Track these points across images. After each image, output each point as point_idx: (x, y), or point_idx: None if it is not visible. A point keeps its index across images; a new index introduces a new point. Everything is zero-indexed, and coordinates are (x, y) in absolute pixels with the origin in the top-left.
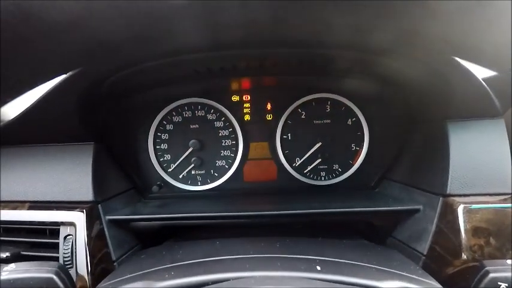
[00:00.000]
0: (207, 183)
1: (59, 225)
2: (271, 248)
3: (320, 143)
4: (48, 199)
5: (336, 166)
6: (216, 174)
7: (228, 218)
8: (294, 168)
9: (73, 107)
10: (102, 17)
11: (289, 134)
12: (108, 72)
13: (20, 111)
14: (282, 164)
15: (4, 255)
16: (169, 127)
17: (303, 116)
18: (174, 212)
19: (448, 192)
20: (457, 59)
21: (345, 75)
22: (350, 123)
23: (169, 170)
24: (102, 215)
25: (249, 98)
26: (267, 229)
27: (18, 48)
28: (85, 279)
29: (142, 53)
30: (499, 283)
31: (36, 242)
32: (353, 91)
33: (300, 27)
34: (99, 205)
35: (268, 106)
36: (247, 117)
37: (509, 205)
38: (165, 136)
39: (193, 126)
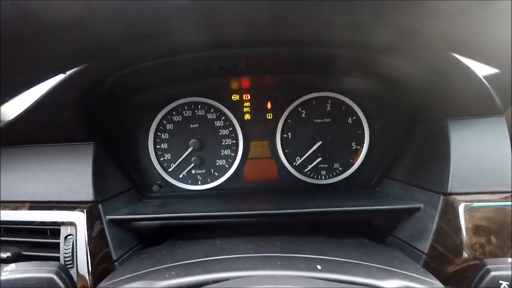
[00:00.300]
0: (207, 183)
1: (60, 225)
2: (272, 247)
3: (320, 142)
4: (48, 199)
5: (336, 165)
6: (216, 174)
7: (228, 217)
8: (295, 167)
9: (73, 107)
10: (101, 17)
11: (289, 133)
12: (108, 72)
13: (20, 112)
14: (282, 163)
15: (5, 255)
16: (169, 126)
17: (303, 115)
18: (174, 212)
19: (448, 190)
20: (457, 56)
21: (345, 73)
22: (350, 121)
23: (170, 169)
24: (102, 215)
25: (249, 97)
26: (267, 228)
27: (16, 47)
28: (86, 279)
29: (142, 53)
30: (500, 281)
31: (37, 242)
32: (353, 90)
33: (299, 26)
34: (100, 205)
35: (268, 105)
36: (247, 117)
37: (510, 203)
38: (165, 136)
39: (193, 125)
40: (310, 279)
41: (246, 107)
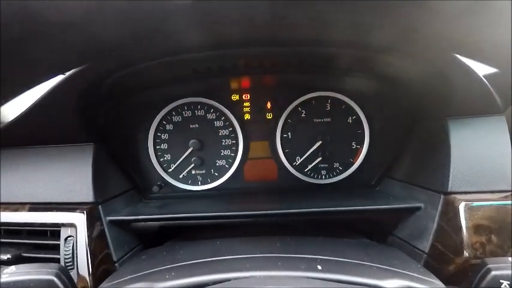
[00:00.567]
0: (208, 183)
1: (60, 227)
2: (272, 248)
3: (320, 142)
4: (48, 200)
5: (336, 164)
6: (217, 174)
7: (228, 217)
8: (295, 167)
9: (73, 108)
10: (101, 17)
11: (289, 133)
12: (108, 73)
13: (20, 113)
14: (283, 163)
15: (5, 257)
16: (169, 127)
17: (303, 115)
18: (174, 212)
19: (449, 189)
20: (457, 56)
21: (345, 73)
22: (350, 121)
23: (170, 170)
24: (102, 216)
25: (248, 97)
26: (267, 228)
27: (16, 48)
28: (86, 280)
29: (141, 53)
30: (501, 281)
31: (37, 243)
32: (353, 89)
33: (299, 26)
34: (100, 206)
35: (268, 105)
36: (247, 117)
37: (510, 202)
38: (165, 136)
39: (193, 125)
40: (311, 280)
41: (245, 107)
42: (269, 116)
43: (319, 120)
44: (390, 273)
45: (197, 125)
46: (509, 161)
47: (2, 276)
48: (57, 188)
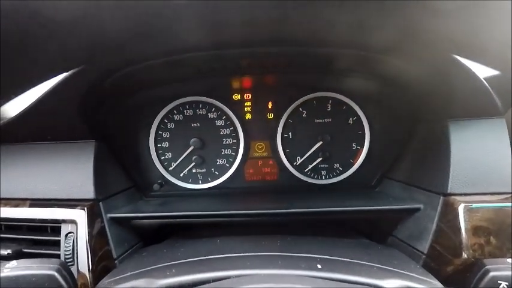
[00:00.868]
0: (208, 182)
1: (60, 223)
2: (272, 247)
3: (321, 142)
4: (49, 197)
5: (336, 165)
6: (217, 173)
7: (228, 216)
8: (295, 167)
9: (75, 105)
10: (103, 16)
11: (290, 133)
12: (110, 71)
13: (22, 109)
14: (283, 163)
15: (5, 252)
16: (170, 125)
17: (303, 115)
18: (175, 210)
19: (448, 191)
20: (458, 58)
21: (346, 74)
22: (351, 122)
23: (170, 168)
24: (103, 213)
25: (250, 96)
26: (267, 228)
27: (19, 46)
28: (86, 276)
29: (144, 52)
30: (500, 282)
31: (38, 239)
32: (354, 90)
33: (300, 26)
34: (100, 203)
35: (269, 105)
36: (248, 116)
37: (510, 204)
38: (166, 134)
39: (194, 124)
40: (311, 279)
41: (247, 106)
42: (270, 115)
43: (320, 120)
44: (389, 273)
45: (198, 124)
46: (508, 164)
47: (4, 270)
48: (58, 185)
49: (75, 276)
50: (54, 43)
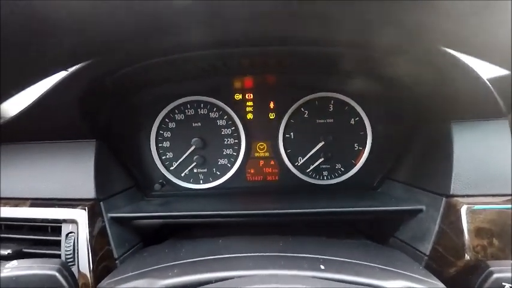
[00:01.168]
0: (209, 182)
1: (61, 223)
2: (275, 247)
3: (323, 142)
4: (49, 196)
5: (338, 165)
6: (218, 173)
7: (230, 216)
8: (296, 168)
9: (76, 104)
10: (106, 14)
11: (291, 133)
12: (111, 70)
13: (23, 108)
14: (284, 163)
15: (6, 252)
16: (171, 125)
17: (305, 115)
18: (176, 210)
19: (451, 192)
20: (462, 59)
21: (348, 74)
22: (353, 122)
23: (172, 168)
24: (104, 213)
25: (251, 96)
26: (269, 228)
27: (20, 43)
28: (87, 276)
29: (146, 51)
30: (504, 283)
31: (38, 239)
32: (356, 90)
33: (303, 25)
34: (101, 203)
35: (271, 105)
36: (249, 116)
37: None
38: (167, 134)
39: (196, 124)
40: (314, 279)
41: (248, 106)
42: (272, 115)
43: (322, 121)
44: (392, 274)
45: (200, 124)
46: (511, 165)
47: (4, 270)
48: (59, 184)
49: (76, 277)
50: (55, 40)
